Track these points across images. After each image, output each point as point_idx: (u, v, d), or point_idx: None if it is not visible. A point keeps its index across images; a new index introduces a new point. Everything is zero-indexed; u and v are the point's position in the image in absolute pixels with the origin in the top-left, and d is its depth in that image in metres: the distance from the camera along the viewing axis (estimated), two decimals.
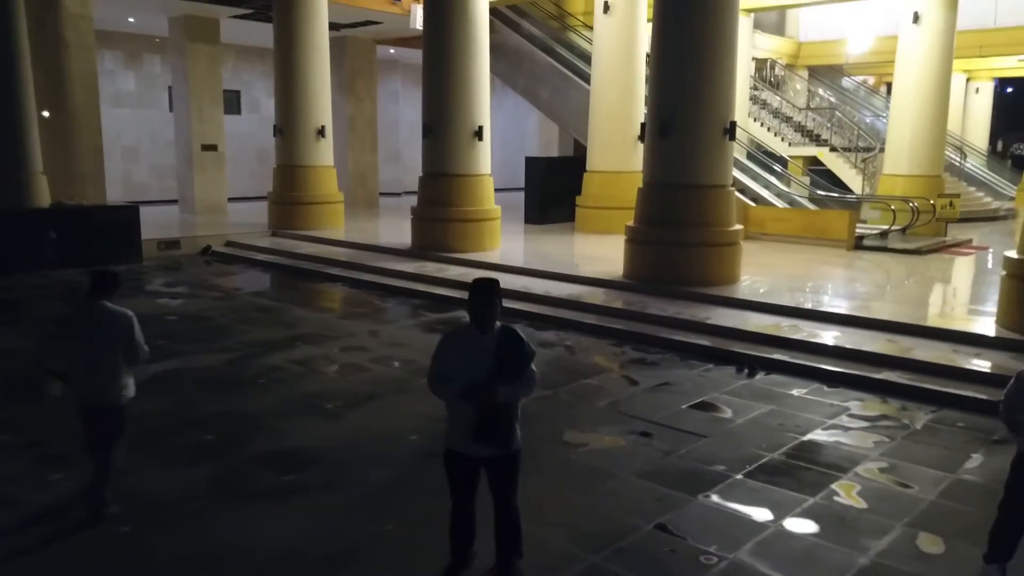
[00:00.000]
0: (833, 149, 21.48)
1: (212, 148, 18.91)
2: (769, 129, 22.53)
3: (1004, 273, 8.01)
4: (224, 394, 6.73)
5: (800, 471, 5.23)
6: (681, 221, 10.09)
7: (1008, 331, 7.79)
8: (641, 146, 15.30)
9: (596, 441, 5.75)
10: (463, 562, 3.88)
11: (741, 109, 19.69)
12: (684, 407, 6.49)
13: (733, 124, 10.13)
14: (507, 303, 9.33)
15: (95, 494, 4.46)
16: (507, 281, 10.81)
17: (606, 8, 15.49)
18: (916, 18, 16.02)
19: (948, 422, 6.17)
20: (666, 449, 5.58)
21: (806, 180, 19.59)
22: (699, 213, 10.08)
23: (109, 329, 4.45)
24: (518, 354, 3.63)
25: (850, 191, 20.03)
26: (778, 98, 23.76)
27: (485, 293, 3.67)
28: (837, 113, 23.30)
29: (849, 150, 21.38)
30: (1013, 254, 7.92)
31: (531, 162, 18.21)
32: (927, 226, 15.64)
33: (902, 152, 16.65)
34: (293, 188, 15.88)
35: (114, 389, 4.47)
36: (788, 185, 17.81)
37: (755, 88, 23.19)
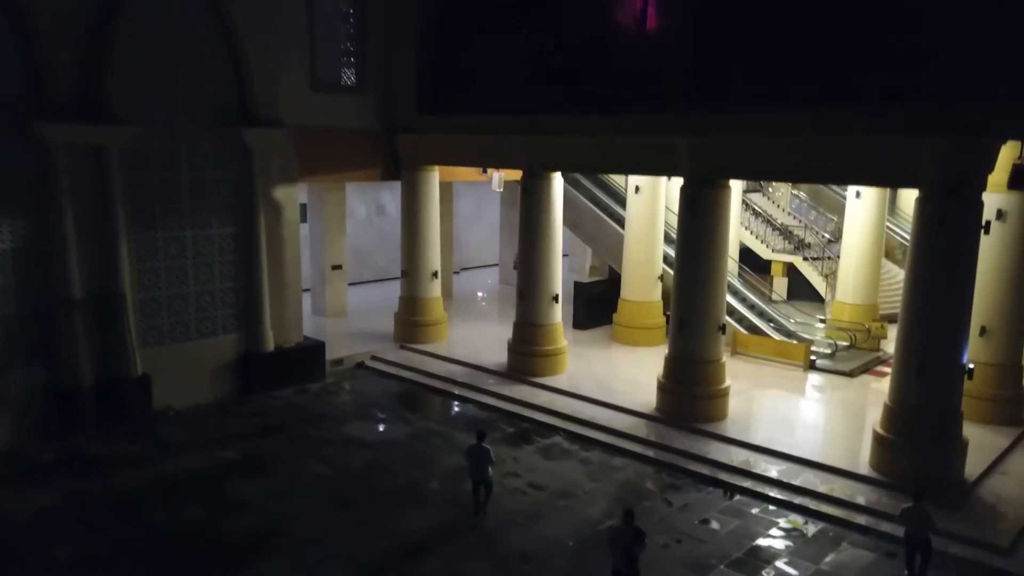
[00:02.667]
0: (806, 258, 27.85)
1: (338, 267, 25.42)
2: (756, 236, 28.74)
3: (872, 438, 14.39)
4: (463, 508, 13.10)
5: (749, 562, 11.67)
6: (692, 381, 16.54)
7: (875, 472, 14.13)
8: (660, 283, 21.93)
9: (654, 544, 12.12)
10: None
11: (733, 221, 25.91)
12: (696, 522, 12.94)
13: (724, 325, 16.61)
14: (583, 431, 15.91)
15: (488, 494, 12.82)
16: (578, 408, 17.40)
17: (636, 190, 21.90)
18: (858, 195, 22.45)
19: (825, 532, 12.62)
20: (689, 549, 12.04)
21: (784, 283, 26.15)
22: (702, 377, 16.53)
23: (483, 456, 12.42)
24: (640, 538, 10.09)
25: (818, 295, 26.52)
26: (763, 203, 29.92)
27: (630, 518, 10.15)
28: (813, 213, 29.82)
29: (818, 259, 27.85)
30: (877, 427, 14.29)
31: (578, 285, 24.64)
32: (867, 341, 22.16)
33: (848, 286, 23.08)
34: (415, 313, 22.35)
35: (491, 477, 12.61)
36: (767, 303, 24.18)
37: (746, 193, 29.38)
